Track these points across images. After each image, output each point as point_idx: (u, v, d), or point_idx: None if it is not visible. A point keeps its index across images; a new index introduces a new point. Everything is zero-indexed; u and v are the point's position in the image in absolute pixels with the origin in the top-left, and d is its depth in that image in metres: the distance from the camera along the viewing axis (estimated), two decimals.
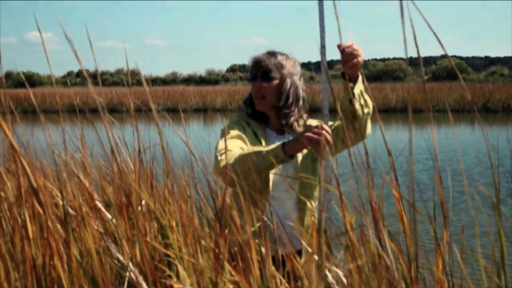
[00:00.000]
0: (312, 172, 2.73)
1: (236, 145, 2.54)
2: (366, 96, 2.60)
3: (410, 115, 1.50)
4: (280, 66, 2.71)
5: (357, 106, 2.56)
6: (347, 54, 2.44)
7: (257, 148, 2.42)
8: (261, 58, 2.73)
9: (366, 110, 2.61)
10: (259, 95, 2.72)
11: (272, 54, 2.75)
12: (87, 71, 1.82)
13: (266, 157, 2.34)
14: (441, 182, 1.47)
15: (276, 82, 2.73)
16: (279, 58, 2.73)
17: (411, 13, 1.34)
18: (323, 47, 2.26)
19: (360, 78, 2.56)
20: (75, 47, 1.66)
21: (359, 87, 2.57)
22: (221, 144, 2.62)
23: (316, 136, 2.26)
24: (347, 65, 2.46)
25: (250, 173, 2.32)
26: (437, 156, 1.45)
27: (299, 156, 2.73)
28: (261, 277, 1.56)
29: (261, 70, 2.72)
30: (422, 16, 1.35)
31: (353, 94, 2.54)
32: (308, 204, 2.70)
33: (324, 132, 2.26)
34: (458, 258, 1.51)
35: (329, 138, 2.26)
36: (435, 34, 1.38)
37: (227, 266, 1.58)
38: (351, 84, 2.55)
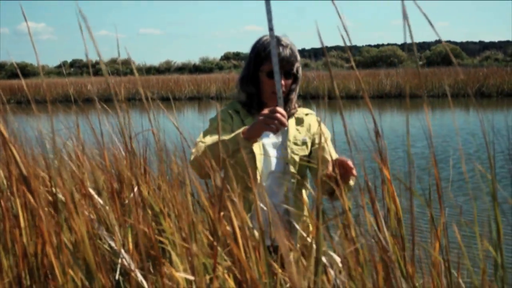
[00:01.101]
0: (301, 167, 2.72)
1: (212, 139, 2.54)
2: (351, 183, 2.47)
3: (407, 96, 1.49)
4: (295, 59, 2.70)
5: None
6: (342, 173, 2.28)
7: (222, 137, 2.43)
8: (283, 52, 2.67)
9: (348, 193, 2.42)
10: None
11: (284, 45, 2.70)
12: (81, 61, 1.79)
13: (228, 145, 2.38)
14: (436, 163, 1.46)
15: (292, 78, 2.74)
16: (292, 48, 2.71)
17: None
18: (271, 30, 2.25)
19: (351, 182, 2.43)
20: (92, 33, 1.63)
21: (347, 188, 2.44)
22: (199, 137, 2.64)
23: (270, 120, 2.28)
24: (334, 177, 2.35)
25: (218, 163, 2.33)
26: (432, 139, 1.44)
27: (288, 152, 2.71)
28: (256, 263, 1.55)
29: (285, 67, 2.68)
30: (416, 5, 1.33)
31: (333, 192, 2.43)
32: (302, 194, 2.70)
33: (278, 115, 2.27)
34: (456, 236, 1.50)
35: (284, 120, 2.27)
36: (429, 21, 1.36)
37: (221, 252, 1.57)
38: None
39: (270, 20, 2.24)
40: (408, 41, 1.37)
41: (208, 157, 2.33)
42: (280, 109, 2.29)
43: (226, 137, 2.41)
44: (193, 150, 2.50)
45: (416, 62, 1.51)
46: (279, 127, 2.28)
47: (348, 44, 1.52)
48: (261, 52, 2.72)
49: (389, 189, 1.51)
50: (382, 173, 1.54)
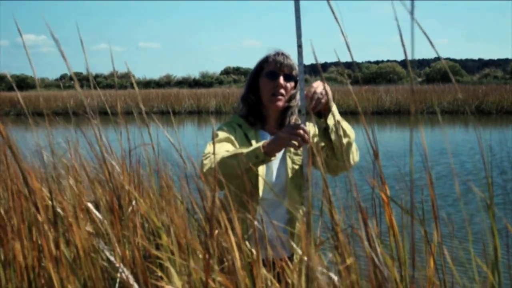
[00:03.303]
0: (303, 178, 2.73)
1: (223, 149, 2.53)
2: (345, 126, 2.57)
3: (412, 111, 1.49)
4: (295, 68, 2.72)
5: (333, 137, 2.53)
6: (315, 102, 2.40)
7: (238, 150, 2.42)
8: (283, 58, 2.73)
9: (345, 140, 2.55)
10: (279, 93, 2.72)
11: (286, 55, 2.76)
12: (80, 74, 1.81)
13: (247, 159, 2.34)
14: (432, 182, 1.47)
15: (293, 83, 2.76)
16: (292, 59, 2.74)
17: (405, 16, 1.34)
18: (299, 46, 2.25)
19: (334, 108, 2.51)
20: (62, 47, 1.64)
21: (334, 117, 2.51)
22: (208, 148, 2.61)
23: (293, 136, 2.27)
24: (317, 109, 2.44)
25: (232, 176, 2.32)
26: (427, 156, 1.44)
27: (289, 163, 2.72)
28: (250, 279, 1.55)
29: (284, 70, 2.72)
30: (416, 23, 1.34)
31: (327, 126, 2.52)
32: (300, 210, 2.70)
33: (301, 131, 2.26)
34: (448, 259, 1.50)
35: (306, 137, 2.27)
36: (429, 39, 1.37)
37: (217, 268, 1.57)
38: (322, 120, 2.52)
39: (299, 36, 2.24)
40: (407, 58, 1.38)
41: (224, 168, 2.33)
42: (303, 126, 2.29)
43: (244, 150, 2.40)
44: (206, 161, 2.49)
45: (411, 78, 1.51)
46: (301, 144, 2.28)
47: (352, 60, 1.53)
48: (262, 61, 2.79)
49: (387, 211, 1.52)
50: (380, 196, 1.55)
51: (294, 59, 2.74)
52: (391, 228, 1.53)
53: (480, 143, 1.44)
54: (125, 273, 1.64)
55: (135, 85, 2.18)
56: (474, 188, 1.39)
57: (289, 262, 1.64)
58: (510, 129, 21.95)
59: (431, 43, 1.40)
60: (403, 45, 1.32)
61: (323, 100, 2.41)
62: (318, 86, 2.43)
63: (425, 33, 1.37)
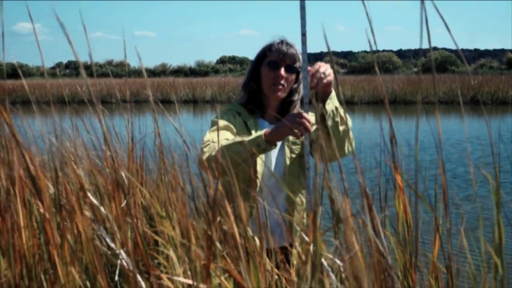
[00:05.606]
0: (300, 167, 2.72)
1: (223, 137, 2.51)
2: (342, 113, 2.54)
3: (418, 101, 1.49)
4: (298, 59, 2.69)
5: (330, 123, 2.51)
6: (317, 81, 2.39)
7: (239, 138, 2.40)
8: (287, 48, 2.70)
9: (341, 128, 2.54)
10: (279, 83, 2.70)
11: (290, 44, 2.72)
12: (76, 62, 1.80)
13: (248, 147, 2.32)
14: (444, 168, 1.46)
15: (294, 75, 2.74)
16: (297, 49, 2.71)
17: (403, 6, 1.32)
18: (303, 35, 2.23)
19: (333, 94, 2.50)
20: (67, 33, 1.63)
21: (333, 103, 2.51)
22: (207, 136, 2.59)
23: (295, 125, 2.25)
24: (317, 89, 2.42)
25: (233, 164, 2.30)
26: (440, 144, 1.44)
27: (287, 151, 2.72)
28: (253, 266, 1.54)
29: (286, 60, 2.69)
30: (436, 9, 1.33)
31: (325, 111, 2.49)
32: (297, 199, 2.69)
33: (304, 121, 2.25)
34: (459, 244, 1.50)
35: (308, 126, 2.25)
36: (447, 26, 1.36)
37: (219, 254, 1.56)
38: (321, 105, 2.49)
39: (303, 25, 2.21)
40: (404, 48, 1.36)
41: (225, 156, 2.30)
42: (306, 115, 2.27)
43: (245, 138, 2.38)
44: (205, 149, 2.47)
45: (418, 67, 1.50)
46: (303, 133, 2.26)
47: (373, 48, 1.52)
48: (266, 49, 2.75)
49: (401, 197, 1.51)
50: (394, 180, 1.54)
51: (298, 48, 2.71)
52: (405, 213, 1.52)
53: (489, 128, 1.44)
54: (125, 260, 1.63)
55: (144, 72, 2.17)
56: (483, 171, 1.39)
57: (293, 251, 1.63)
58: (505, 119, 21.96)
59: (449, 30, 1.39)
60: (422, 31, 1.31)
61: (324, 81, 2.39)
62: (322, 65, 2.41)
63: (443, 20, 1.35)
